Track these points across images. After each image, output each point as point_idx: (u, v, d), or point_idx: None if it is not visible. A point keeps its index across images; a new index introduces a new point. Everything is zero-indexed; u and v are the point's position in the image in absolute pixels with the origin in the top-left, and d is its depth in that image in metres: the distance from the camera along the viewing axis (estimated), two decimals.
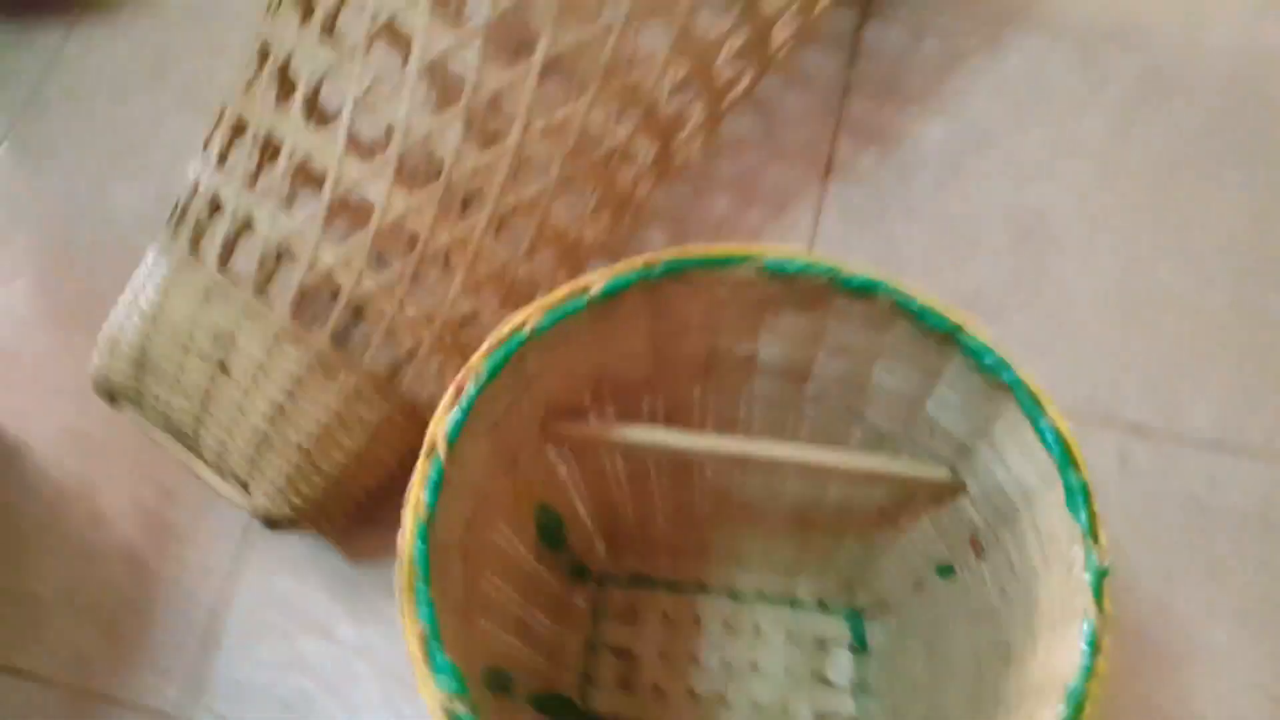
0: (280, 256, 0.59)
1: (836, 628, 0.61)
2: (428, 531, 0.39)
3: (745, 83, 0.70)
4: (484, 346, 0.42)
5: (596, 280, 0.44)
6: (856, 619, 0.61)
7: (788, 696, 0.60)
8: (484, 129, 0.56)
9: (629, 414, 0.54)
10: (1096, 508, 0.40)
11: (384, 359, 0.60)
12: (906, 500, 0.53)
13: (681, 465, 0.58)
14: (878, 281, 0.44)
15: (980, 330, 0.43)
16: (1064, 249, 0.75)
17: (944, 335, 0.43)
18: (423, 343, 0.59)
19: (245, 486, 0.62)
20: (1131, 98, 0.81)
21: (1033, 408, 0.41)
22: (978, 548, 0.49)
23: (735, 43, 0.66)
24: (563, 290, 0.43)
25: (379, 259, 0.58)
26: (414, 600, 0.39)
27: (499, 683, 0.48)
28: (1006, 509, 0.46)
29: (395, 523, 0.41)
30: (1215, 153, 0.78)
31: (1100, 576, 0.38)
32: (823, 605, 0.62)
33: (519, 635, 0.55)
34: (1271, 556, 0.63)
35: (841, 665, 0.60)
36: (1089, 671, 0.36)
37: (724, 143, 0.82)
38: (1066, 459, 0.40)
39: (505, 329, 0.42)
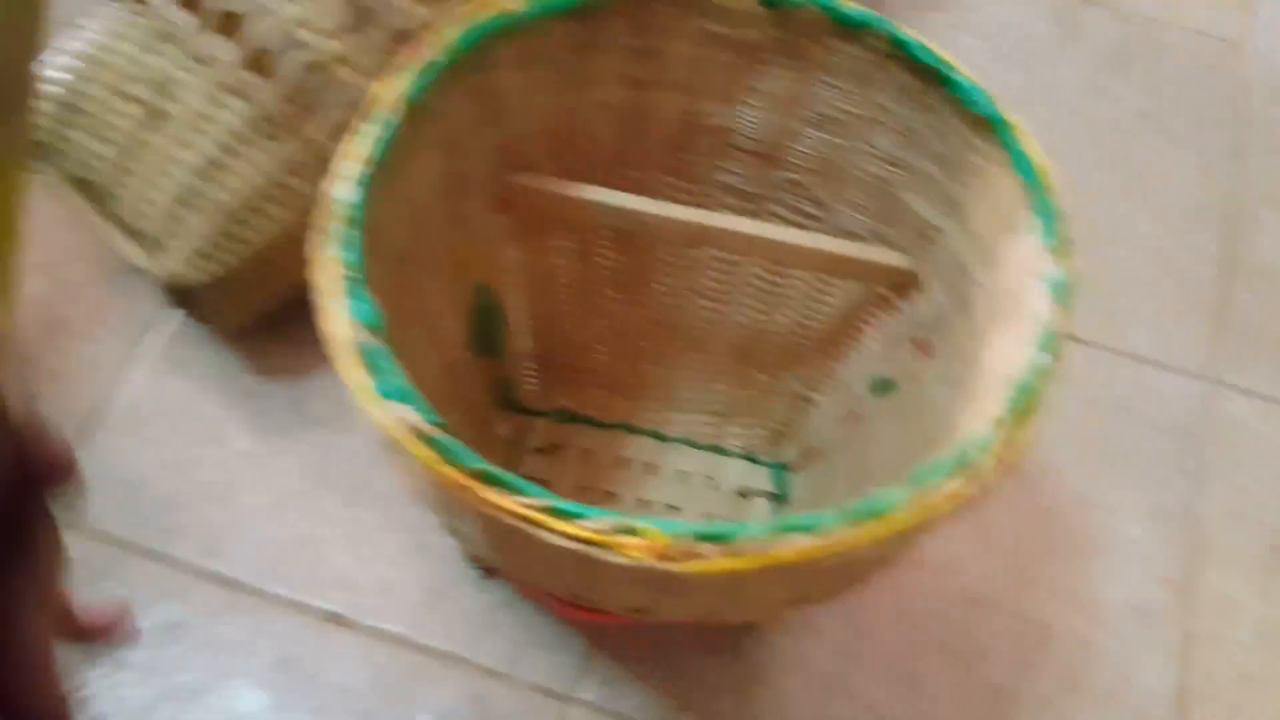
0: (245, 6, 0.56)
1: (760, 479, 0.60)
2: (372, 181, 0.36)
3: None
4: (458, 21, 0.39)
5: None
6: (781, 472, 0.60)
7: None
8: None
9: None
10: (1065, 230, 0.39)
11: (333, 132, 0.57)
12: (856, 314, 0.52)
13: (636, 273, 0.56)
14: (874, 15, 0.43)
15: (967, 71, 0.42)
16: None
17: (933, 74, 0.42)
18: None
19: (159, 246, 0.58)
20: (1104, 56, 0.82)
21: (1010, 136, 0.40)
22: (926, 347, 0.47)
23: None
24: None
25: (352, 21, 0.55)
26: (341, 243, 0.35)
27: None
28: (964, 291, 0.45)
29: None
30: (1173, 113, 0.79)
31: (1062, 287, 0.37)
32: (749, 457, 0.60)
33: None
34: (1189, 464, 0.63)
35: (760, 515, 0.58)
36: (1042, 370, 0.35)
37: None
38: (1040, 184, 0.40)
39: (485, 9, 0.39)
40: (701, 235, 0.46)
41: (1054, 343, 0.36)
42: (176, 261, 0.57)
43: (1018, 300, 0.39)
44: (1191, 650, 0.58)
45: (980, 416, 0.37)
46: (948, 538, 0.61)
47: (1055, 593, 0.59)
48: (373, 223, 0.37)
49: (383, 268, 0.38)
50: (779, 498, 0.59)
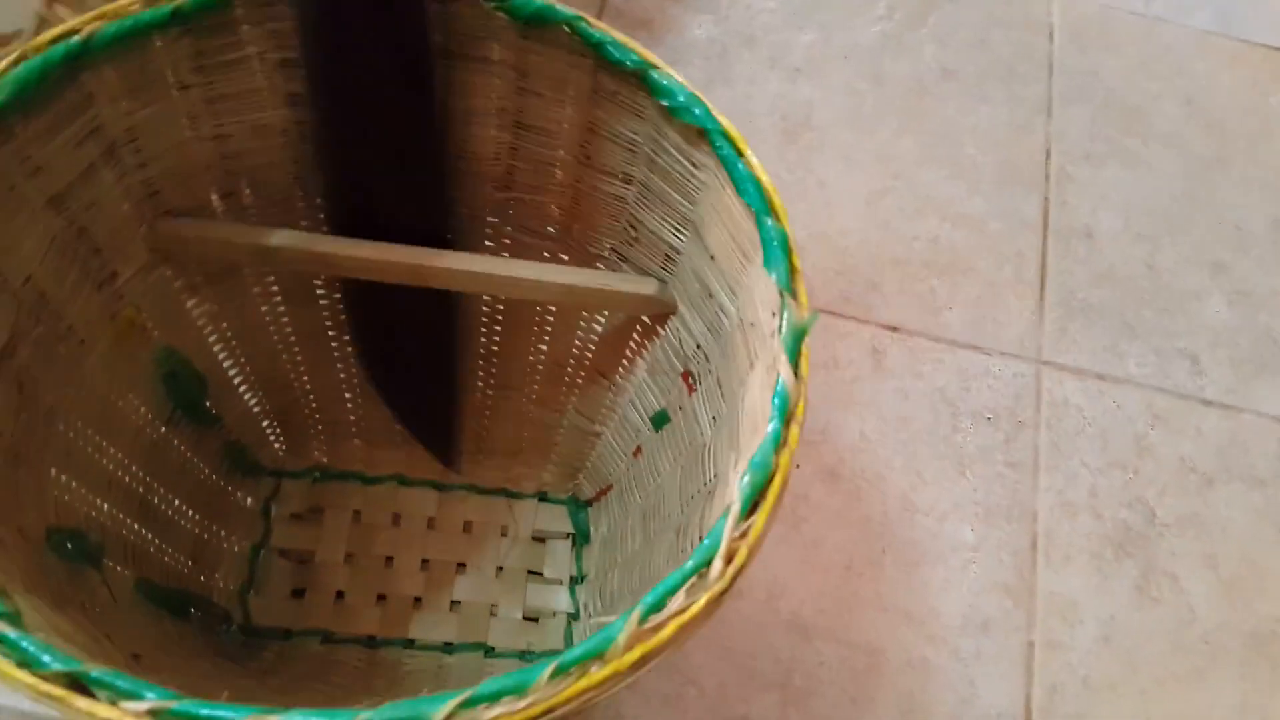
0: None
1: (557, 519, 0.53)
2: None
3: None
4: (9, 58, 0.30)
5: None
6: (579, 510, 0.53)
7: (497, 596, 0.51)
8: None
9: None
10: (798, 262, 0.33)
11: None
12: (622, 341, 0.45)
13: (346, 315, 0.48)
14: (553, 7, 0.36)
15: (672, 71, 0.36)
16: (830, 150, 0.70)
17: (633, 77, 0.36)
18: None
19: None
20: (903, 11, 0.77)
21: (729, 152, 0.34)
22: (690, 381, 0.41)
23: None
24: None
25: None
26: None
27: (79, 550, 0.36)
28: (714, 317, 0.38)
29: None
30: (979, 68, 0.75)
31: (798, 335, 0.31)
32: (544, 497, 0.53)
33: (140, 517, 0.44)
34: (1019, 455, 0.59)
35: (560, 559, 0.52)
36: (776, 438, 0.29)
37: None
38: (765, 207, 0.33)
39: (45, 38, 0.31)
40: (417, 274, 0.39)
41: (788, 416, 0.29)
42: None
43: (763, 340, 0.33)
44: (1034, 661, 0.54)
45: (723, 498, 0.30)
46: (770, 560, 0.55)
47: (887, 611, 0.54)
48: None
49: None
50: (579, 537, 0.53)
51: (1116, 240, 0.68)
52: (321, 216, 0.42)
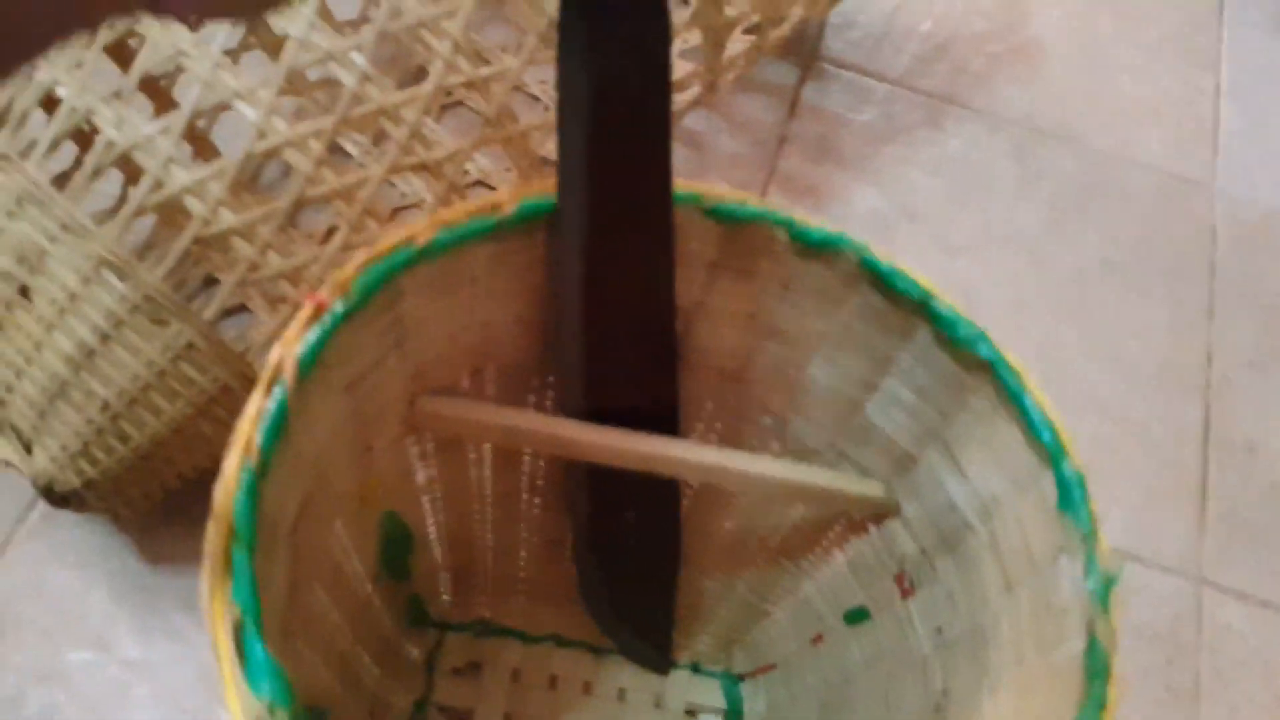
0: (121, 170, 0.49)
1: (710, 693, 0.53)
2: (257, 486, 0.30)
3: (688, 96, 0.64)
4: (357, 260, 0.33)
5: (509, 200, 0.35)
6: (733, 684, 0.53)
7: None
8: (401, 59, 0.48)
9: (510, 404, 0.45)
10: (1095, 506, 0.33)
11: (226, 312, 0.50)
12: (820, 532, 0.46)
13: (559, 483, 0.50)
14: (841, 236, 0.37)
15: (950, 300, 0.37)
16: (990, 331, 0.70)
17: (911, 304, 0.37)
18: (283, 301, 0.49)
19: (28, 445, 0.51)
20: (1065, 196, 0.78)
21: (1016, 388, 0.35)
22: (905, 584, 0.41)
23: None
24: (466, 206, 0.34)
25: (244, 191, 0.49)
26: (230, 573, 0.28)
27: None
28: (953, 530, 0.39)
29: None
30: (1141, 262, 0.75)
31: (1107, 585, 0.31)
32: (696, 668, 0.54)
33: (340, 677, 0.45)
34: (1180, 680, 0.58)
35: None
36: (1098, 704, 0.29)
37: None
38: (1058, 447, 0.34)
39: (387, 243, 0.33)
40: (647, 461, 0.40)
41: (1105, 666, 0.30)
42: (46, 461, 0.50)
43: (1040, 578, 0.33)
44: None
45: None
46: None
47: None
48: (267, 496, 0.30)
49: (271, 534, 0.31)
50: (732, 714, 0.53)
51: None
52: (551, 395, 0.44)
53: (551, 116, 0.38)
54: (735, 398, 0.45)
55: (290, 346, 0.31)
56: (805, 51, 0.82)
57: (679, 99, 0.63)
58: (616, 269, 0.38)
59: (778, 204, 0.38)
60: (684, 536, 0.50)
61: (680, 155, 0.76)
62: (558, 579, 0.54)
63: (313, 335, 0.31)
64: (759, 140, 0.78)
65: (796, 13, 0.66)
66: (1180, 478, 0.66)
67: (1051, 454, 0.34)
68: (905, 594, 0.42)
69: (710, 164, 0.77)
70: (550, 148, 0.41)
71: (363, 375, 0.36)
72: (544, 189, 0.36)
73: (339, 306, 0.32)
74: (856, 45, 0.85)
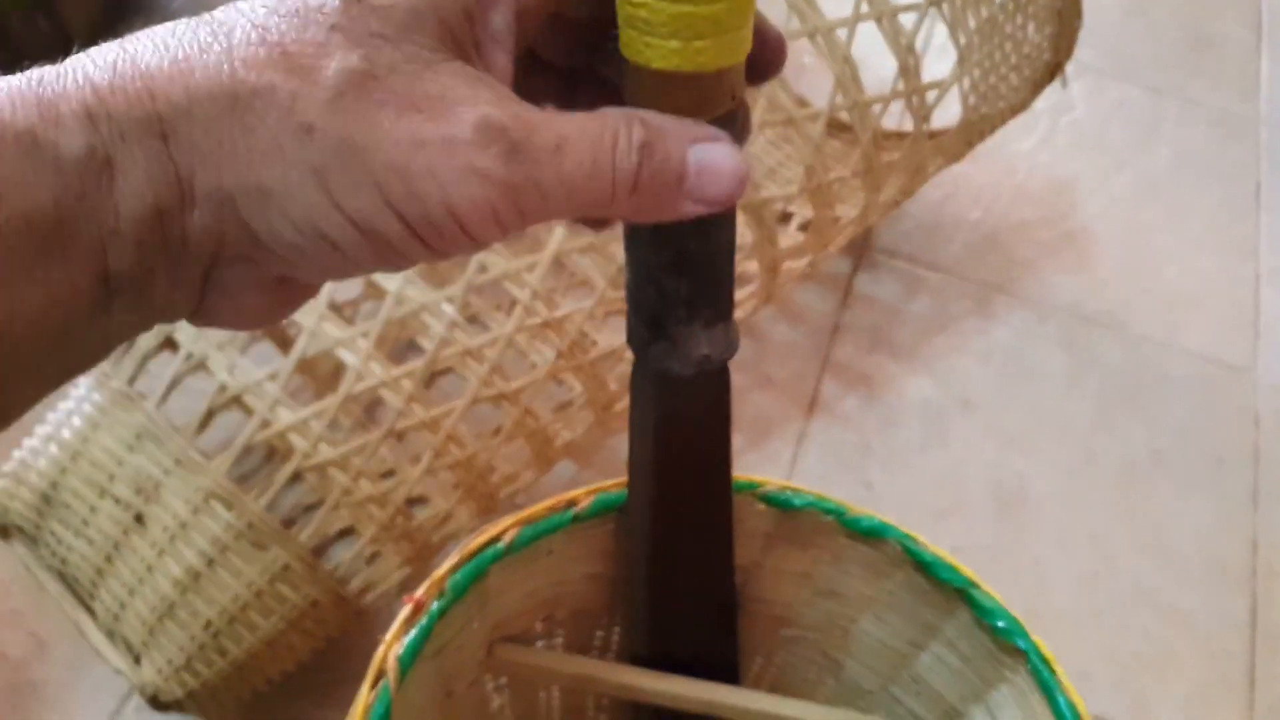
0: (231, 408, 0.54)
1: None
2: None
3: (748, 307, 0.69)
4: (451, 560, 0.36)
5: (584, 496, 0.39)
6: None
7: None
8: (479, 309, 0.53)
9: (579, 644, 0.48)
10: None
11: (320, 535, 0.54)
12: None
13: (621, 710, 0.52)
14: (887, 526, 0.41)
15: (991, 590, 0.39)
16: (1042, 527, 0.72)
17: (953, 590, 0.40)
18: (368, 524, 0.54)
19: (136, 657, 0.55)
20: (1113, 385, 0.81)
21: (1049, 679, 0.37)
22: None
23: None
24: (545, 505, 0.38)
25: (348, 424, 0.53)
26: None
27: None
28: None
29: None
30: (1188, 454, 0.77)
31: None
32: None
33: None
34: None
35: None
36: None
37: None
38: None
39: (476, 542, 0.37)
40: (709, 708, 0.43)
41: None
42: (153, 674, 0.54)
43: None
44: None
45: None
46: None
47: None
48: None
49: None
50: None
51: None
52: (619, 635, 0.47)
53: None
54: (792, 641, 0.47)
55: (392, 647, 0.34)
56: (859, 243, 0.86)
57: (738, 310, 0.67)
58: (680, 546, 0.41)
59: (830, 496, 0.42)
60: None
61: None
62: None
63: (412, 635, 0.35)
64: (814, 329, 0.82)
65: (848, 234, 0.71)
66: (1228, 671, 0.66)
67: None
68: None
69: (767, 352, 0.80)
70: None
71: (450, 642, 0.39)
72: (617, 485, 0.40)
73: (436, 605, 0.35)
74: (908, 235, 0.89)
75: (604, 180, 0.24)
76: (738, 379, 0.79)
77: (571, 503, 0.39)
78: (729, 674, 0.45)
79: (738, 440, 0.75)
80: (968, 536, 0.72)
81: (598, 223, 0.29)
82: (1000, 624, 0.39)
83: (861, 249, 0.87)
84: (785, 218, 0.80)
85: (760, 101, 0.58)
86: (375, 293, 0.63)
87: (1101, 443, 0.77)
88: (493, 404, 0.55)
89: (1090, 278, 0.87)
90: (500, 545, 0.37)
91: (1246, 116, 1.04)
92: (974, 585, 0.40)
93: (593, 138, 0.24)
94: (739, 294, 0.66)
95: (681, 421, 0.36)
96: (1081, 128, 1.00)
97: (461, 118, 0.22)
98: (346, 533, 0.54)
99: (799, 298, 0.84)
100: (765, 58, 0.29)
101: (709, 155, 0.26)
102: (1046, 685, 0.37)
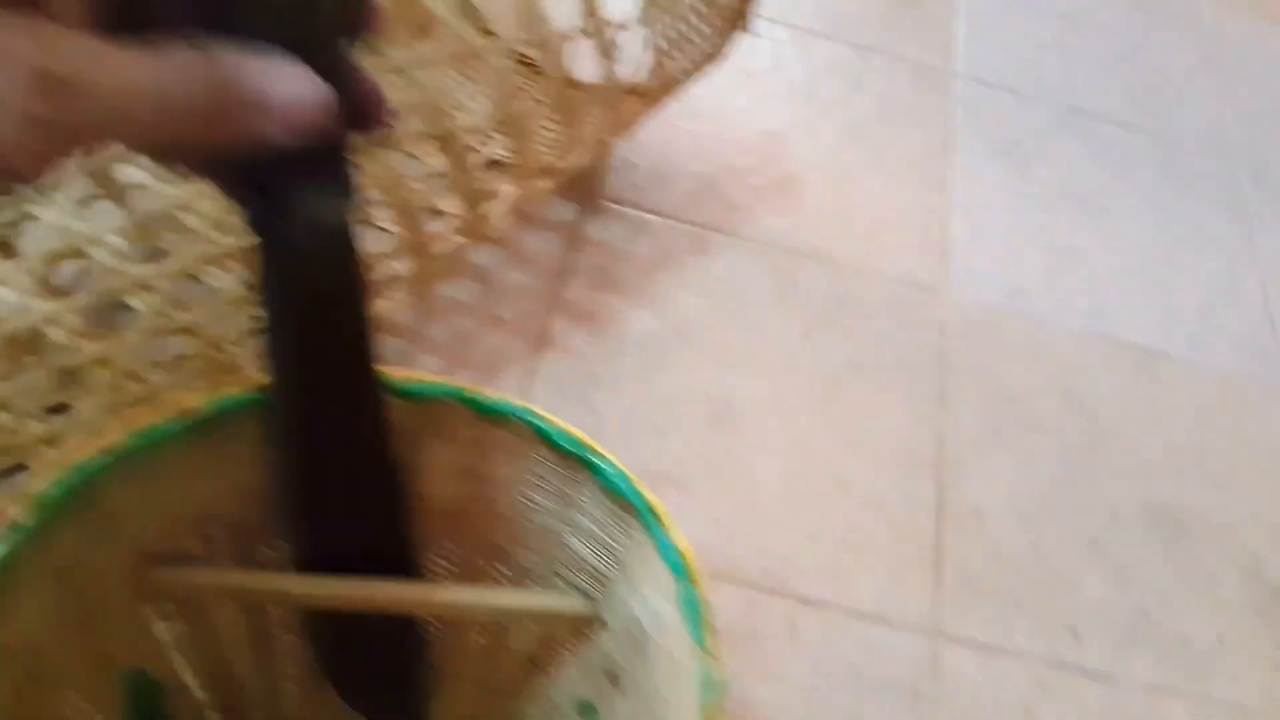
0: None
1: None
2: None
3: (454, 246, 0.72)
4: (47, 471, 0.37)
5: (200, 402, 0.41)
6: None
7: None
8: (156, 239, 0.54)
9: (246, 561, 0.48)
10: (711, 620, 0.41)
11: None
12: (556, 640, 0.52)
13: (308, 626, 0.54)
14: (511, 404, 0.45)
15: (609, 455, 0.44)
16: (752, 435, 0.79)
17: (578, 460, 0.44)
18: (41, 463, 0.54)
19: None
20: (817, 310, 0.89)
21: (655, 526, 0.42)
22: (614, 682, 0.48)
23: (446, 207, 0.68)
24: (158, 411, 0.40)
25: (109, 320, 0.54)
26: None
27: None
28: (640, 638, 0.46)
29: None
30: (884, 363, 0.86)
31: (712, 691, 0.38)
32: None
33: None
34: None
35: None
36: None
37: (440, 306, 0.83)
38: (683, 572, 0.41)
39: (76, 452, 0.38)
40: (376, 606, 0.46)
41: None
42: None
43: (678, 685, 0.40)
44: None
45: None
46: None
47: None
48: None
49: None
50: None
51: (1004, 521, 0.77)
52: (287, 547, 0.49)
53: None
54: (464, 535, 0.51)
55: None
56: (585, 191, 0.92)
57: (442, 244, 0.71)
58: (332, 442, 0.41)
59: (455, 382, 0.45)
60: (443, 652, 0.55)
61: (469, 289, 0.84)
62: (331, 709, 0.58)
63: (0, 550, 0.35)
64: (544, 271, 0.87)
65: (555, 174, 0.75)
66: (920, 548, 0.75)
67: (676, 579, 0.41)
68: (616, 688, 0.48)
69: (498, 295, 0.84)
70: None
71: (74, 564, 0.39)
72: (244, 389, 0.41)
73: (29, 520, 0.36)
74: (635, 185, 0.95)
75: (172, 115, 0.26)
76: (464, 321, 0.83)
77: (187, 411, 0.40)
78: (409, 570, 0.47)
79: (468, 376, 0.79)
80: (685, 448, 0.78)
81: None
82: (616, 483, 0.44)
83: (589, 196, 0.93)
84: (489, 160, 0.83)
85: (449, 36, 0.62)
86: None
87: (805, 359, 0.85)
88: (173, 336, 0.56)
89: (798, 216, 0.95)
90: (104, 457, 0.38)
91: (942, 70, 1.15)
92: (593, 452, 0.44)
93: (159, 75, 0.26)
94: (441, 225, 0.69)
95: (310, 299, 0.36)
96: (794, 84, 1.08)
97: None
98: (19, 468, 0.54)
99: (530, 244, 0.88)
100: (364, 111, 0.31)
101: (280, 82, 0.28)
102: (652, 532, 0.42)
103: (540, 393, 0.79)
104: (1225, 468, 0.85)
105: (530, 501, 0.49)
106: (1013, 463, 0.81)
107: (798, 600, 0.70)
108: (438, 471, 0.48)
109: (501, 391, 0.79)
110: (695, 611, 0.40)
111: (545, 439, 0.45)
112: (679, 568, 0.41)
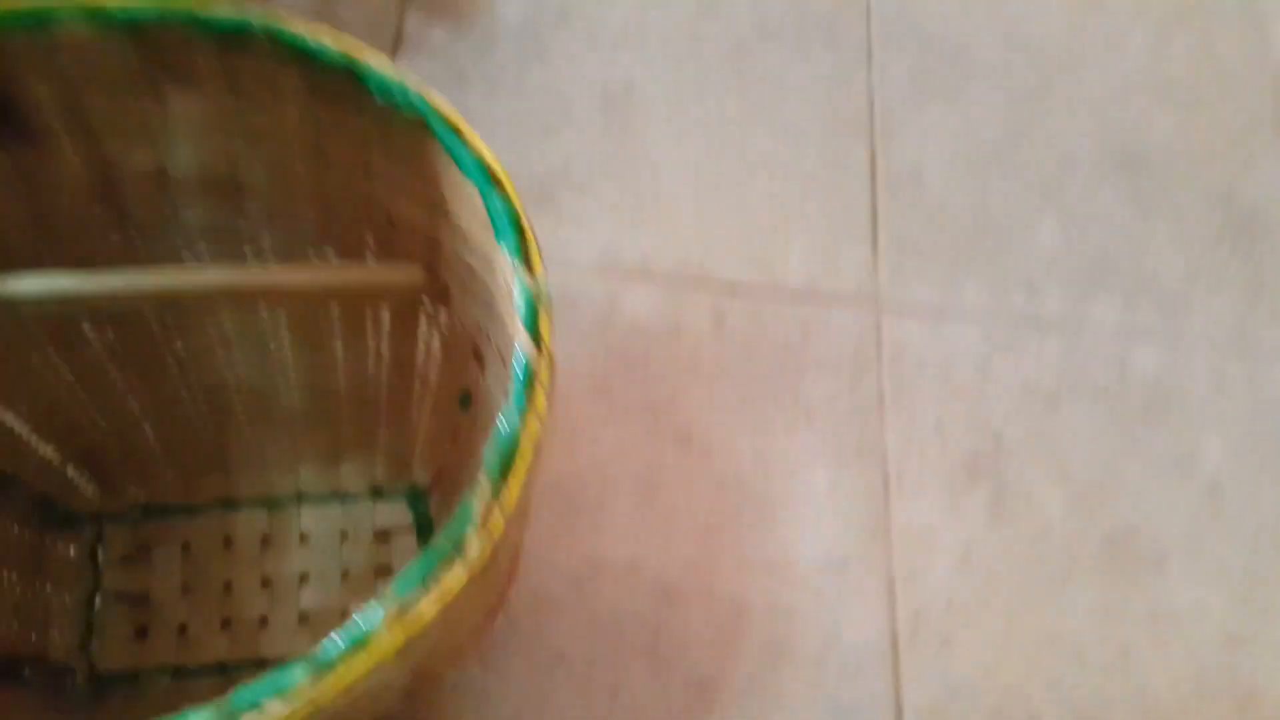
0: None
1: (397, 514, 0.52)
2: None
3: None
4: None
5: None
6: (418, 497, 0.52)
7: (347, 601, 0.50)
8: None
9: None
10: (530, 232, 0.32)
11: None
12: (409, 326, 0.44)
13: (142, 346, 0.46)
14: (247, 21, 0.35)
15: (383, 62, 0.34)
16: (655, 122, 0.69)
17: (344, 74, 0.34)
18: None
19: None
20: None
21: (449, 136, 0.33)
22: (479, 360, 0.40)
23: None
24: None
25: None
26: None
27: None
28: (485, 295, 0.37)
29: None
30: (800, 22, 0.75)
31: (532, 304, 0.30)
32: (376, 492, 0.52)
33: None
34: (863, 399, 0.59)
35: (407, 552, 0.51)
36: (521, 408, 0.28)
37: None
38: (488, 182, 0.33)
39: None
40: (171, 298, 0.37)
41: (530, 383, 0.29)
42: None
43: (512, 317, 0.32)
44: (895, 591, 0.54)
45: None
46: (629, 530, 0.54)
47: (748, 565, 0.54)
48: None
49: None
50: (424, 527, 0.52)
51: (946, 178, 0.69)
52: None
53: None
54: (273, 221, 0.42)
55: None
56: None
57: None
58: None
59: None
60: (313, 372, 0.47)
61: None
62: (202, 446, 0.51)
63: None
64: None
65: None
66: (852, 217, 0.66)
67: (481, 191, 0.32)
68: (482, 369, 0.40)
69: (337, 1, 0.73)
70: None
71: None
72: None
73: None
74: None
75: None
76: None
77: None
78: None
79: None
80: (580, 145, 0.68)
81: None
82: (396, 95, 0.34)
83: None
84: None
85: None
86: None
87: (708, 29, 0.74)
88: None
89: None
90: None
91: None
92: (358, 61, 0.34)
93: None
94: None
95: None
96: None
97: None
98: None
99: None
100: None
101: None
102: (445, 141, 0.33)
103: None
104: (1188, 91, 0.76)
105: (322, 158, 0.39)
106: (953, 114, 0.72)
107: (721, 289, 0.63)
108: (193, 134, 0.38)
109: None
110: (508, 224, 0.32)
111: (303, 54, 0.35)
112: (481, 177, 0.33)
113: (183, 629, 0.49)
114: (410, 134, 0.35)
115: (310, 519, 0.52)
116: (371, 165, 0.38)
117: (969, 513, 0.56)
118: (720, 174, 0.67)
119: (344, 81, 0.34)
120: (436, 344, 0.44)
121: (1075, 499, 0.57)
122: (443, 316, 0.42)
